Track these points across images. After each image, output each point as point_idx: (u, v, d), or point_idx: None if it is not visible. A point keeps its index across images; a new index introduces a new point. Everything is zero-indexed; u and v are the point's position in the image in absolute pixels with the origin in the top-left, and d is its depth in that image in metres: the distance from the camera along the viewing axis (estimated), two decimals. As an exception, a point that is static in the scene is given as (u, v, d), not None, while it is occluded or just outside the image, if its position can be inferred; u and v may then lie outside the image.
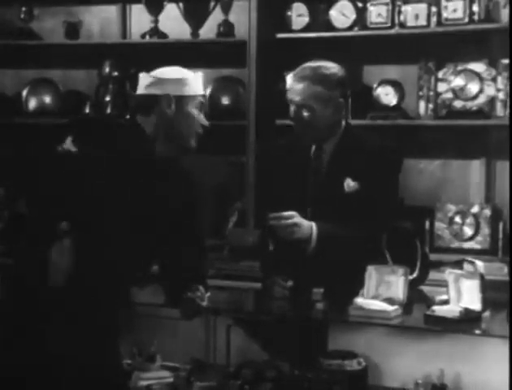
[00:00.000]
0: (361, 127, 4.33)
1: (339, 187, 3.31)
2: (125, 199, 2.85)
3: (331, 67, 3.32)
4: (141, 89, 2.98)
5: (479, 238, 4.37)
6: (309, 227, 3.22)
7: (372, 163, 3.30)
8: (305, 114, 3.29)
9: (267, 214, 3.21)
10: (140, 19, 5.03)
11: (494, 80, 4.30)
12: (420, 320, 2.99)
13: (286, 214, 3.21)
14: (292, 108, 3.33)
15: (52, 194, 2.84)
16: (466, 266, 3.04)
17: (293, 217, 3.21)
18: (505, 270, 4.01)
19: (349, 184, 3.31)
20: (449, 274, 3.04)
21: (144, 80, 2.98)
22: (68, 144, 2.82)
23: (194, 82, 2.96)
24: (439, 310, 2.95)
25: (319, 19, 4.56)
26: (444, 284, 3.08)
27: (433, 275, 3.41)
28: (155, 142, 2.94)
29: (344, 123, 3.41)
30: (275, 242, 3.25)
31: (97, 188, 2.83)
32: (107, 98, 4.92)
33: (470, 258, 3.11)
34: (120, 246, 2.84)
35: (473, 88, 4.33)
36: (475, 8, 4.26)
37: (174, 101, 2.92)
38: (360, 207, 3.24)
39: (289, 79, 3.37)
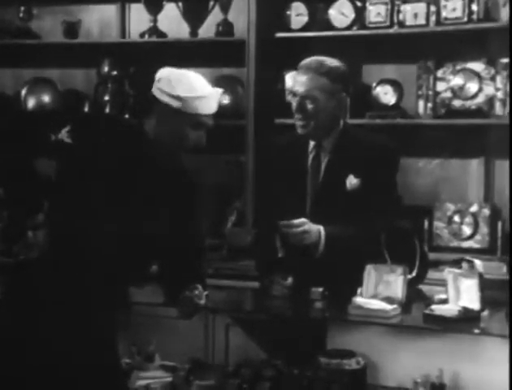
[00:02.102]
0: (360, 127, 4.33)
1: (340, 184, 3.32)
2: (122, 198, 2.85)
3: (335, 62, 3.36)
4: (154, 86, 2.94)
5: (477, 237, 4.37)
6: (317, 232, 3.23)
7: (373, 161, 3.31)
8: (310, 105, 3.30)
9: (277, 222, 3.21)
10: (139, 19, 5.03)
11: (493, 79, 4.30)
12: (419, 319, 2.99)
13: (296, 222, 3.22)
14: (295, 101, 3.34)
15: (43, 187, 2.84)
16: (465, 265, 3.04)
17: (304, 224, 3.22)
18: (504, 269, 4.01)
19: (351, 181, 3.32)
20: (447, 273, 3.04)
21: (158, 78, 2.94)
22: (63, 134, 2.81)
23: (198, 102, 2.87)
24: (438, 309, 2.95)
25: (318, 19, 4.57)
26: (442, 283, 3.08)
27: (432, 274, 3.41)
28: (154, 142, 2.94)
29: (342, 121, 3.42)
30: (284, 249, 3.25)
31: (93, 187, 2.83)
32: (106, 97, 4.92)
33: (468, 257, 3.11)
34: (118, 245, 2.84)
35: (472, 87, 4.33)
36: (474, 7, 4.26)
37: (170, 113, 2.89)
38: (363, 205, 3.25)
39: (294, 72, 3.39)
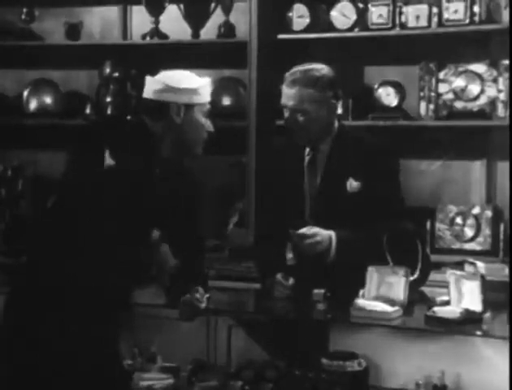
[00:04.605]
0: (362, 128, 4.34)
1: (341, 187, 3.31)
2: (127, 199, 2.85)
3: (321, 69, 3.34)
4: (149, 94, 2.96)
5: (479, 239, 4.36)
6: (328, 239, 3.23)
7: (373, 162, 3.31)
8: (300, 118, 3.30)
9: (290, 232, 3.21)
10: (140, 20, 5.03)
11: (495, 80, 4.29)
12: (421, 321, 2.99)
13: (309, 232, 3.22)
14: (286, 113, 3.34)
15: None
16: (467, 267, 3.05)
17: (316, 235, 3.22)
18: (506, 271, 4.00)
19: (352, 183, 3.31)
20: (449, 275, 3.04)
21: (152, 84, 2.96)
22: (108, 159, 2.83)
23: (203, 90, 2.98)
24: (440, 311, 2.95)
25: (320, 20, 4.56)
26: (445, 285, 3.08)
27: (434, 276, 3.40)
28: (161, 145, 2.94)
29: (337, 123, 3.41)
30: (296, 257, 3.25)
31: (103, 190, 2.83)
32: (108, 99, 4.92)
33: (471, 259, 3.11)
34: (120, 245, 2.83)
35: (474, 89, 4.33)
36: (476, 9, 4.25)
37: (183, 109, 2.93)
38: (364, 207, 3.25)
39: (283, 88, 3.36)
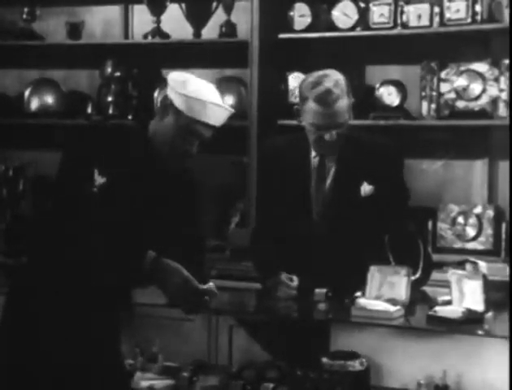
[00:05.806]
0: (363, 128, 4.33)
1: (354, 190, 3.29)
2: (127, 199, 2.84)
3: (336, 73, 3.27)
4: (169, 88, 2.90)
5: (481, 239, 4.36)
6: None
7: (384, 166, 3.29)
8: (340, 130, 3.24)
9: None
10: (142, 20, 5.03)
11: (497, 80, 4.29)
12: (423, 321, 2.99)
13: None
14: (328, 132, 3.21)
15: None
16: (469, 266, 3.04)
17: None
18: (508, 270, 4.00)
19: (366, 188, 3.29)
20: (451, 274, 3.04)
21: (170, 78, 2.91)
22: (98, 178, 2.79)
23: (205, 108, 2.83)
24: (441, 311, 2.95)
25: (321, 20, 4.56)
26: (446, 285, 3.07)
27: (436, 275, 3.40)
28: (156, 144, 2.92)
29: None
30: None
31: (104, 189, 2.82)
32: (109, 98, 4.92)
33: (472, 259, 3.10)
34: (120, 245, 2.83)
35: (476, 88, 4.33)
36: (478, 8, 4.25)
37: (171, 110, 2.85)
38: (379, 209, 3.23)
39: (315, 106, 3.19)
